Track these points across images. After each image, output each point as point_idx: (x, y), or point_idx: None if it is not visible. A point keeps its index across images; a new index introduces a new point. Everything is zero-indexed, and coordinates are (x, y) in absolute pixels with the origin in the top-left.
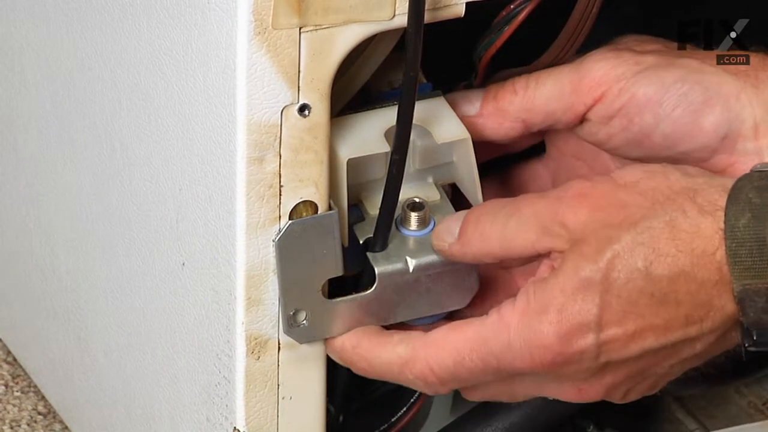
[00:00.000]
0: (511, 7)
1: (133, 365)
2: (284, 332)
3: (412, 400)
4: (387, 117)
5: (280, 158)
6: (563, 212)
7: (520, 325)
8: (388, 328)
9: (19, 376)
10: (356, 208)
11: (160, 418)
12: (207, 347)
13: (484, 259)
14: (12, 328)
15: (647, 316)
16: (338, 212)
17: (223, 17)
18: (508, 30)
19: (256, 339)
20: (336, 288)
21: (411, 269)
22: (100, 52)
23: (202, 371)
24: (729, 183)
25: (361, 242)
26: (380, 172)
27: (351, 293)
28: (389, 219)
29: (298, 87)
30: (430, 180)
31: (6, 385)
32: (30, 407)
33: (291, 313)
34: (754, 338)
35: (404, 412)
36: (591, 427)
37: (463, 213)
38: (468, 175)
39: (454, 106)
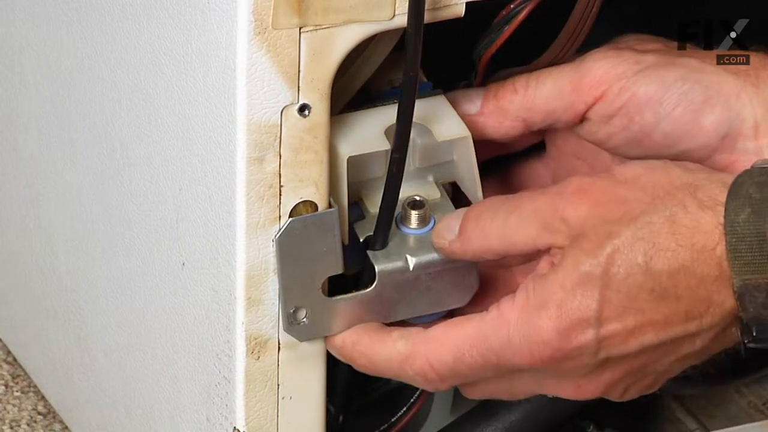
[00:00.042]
0: (511, 6)
1: (133, 365)
2: (284, 330)
3: (412, 400)
4: (387, 115)
5: (280, 158)
6: (563, 208)
7: (520, 320)
8: (388, 326)
9: (19, 376)
10: (356, 206)
11: (160, 418)
12: (207, 347)
13: (484, 255)
14: (12, 328)
15: (647, 311)
16: (338, 210)
17: (223, 17)
18: (508, 29)
19: (256, 339)
20: (336, 286)
21: (411, 267)
22: (100, 52)
23: (202, 371)
24: (729, 179)
25: (361, 240)
26: (380, 170)
27: (351, 291)
28: (389, 217)
29: (298, 87)
30: (431, 178)
31: (6, 385)
32: (30, 407)
33: (291, 310)
34: (754, 334)
35: (404, 411)
36: (591, 427)
37: (463, 210)
38: (468, 173)
39: (454, 104)
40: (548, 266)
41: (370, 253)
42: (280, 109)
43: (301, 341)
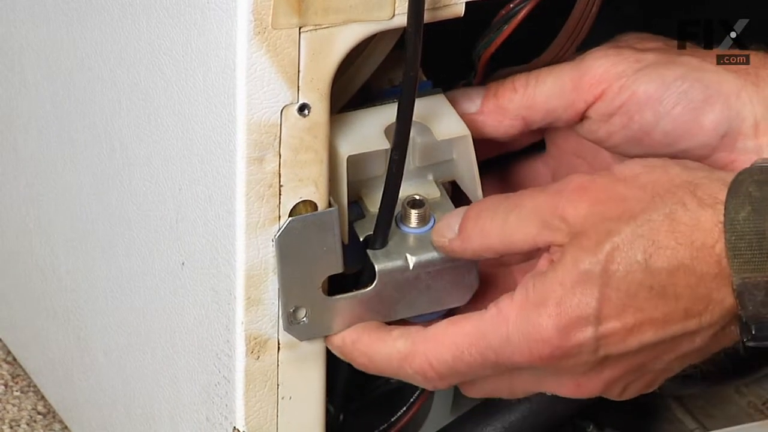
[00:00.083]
0: (511, 6)
1: (133, 365)
2: (284, 329)
3: (411, 400)
4: (387, 114)
5: (280, 158)
6: (563, 206)
7: (519, 318)
8: (388, 325)
9: (18, 375)
10: (356, 205)
11: (160, 418)
12: (207, 347)
13: (484, 254)
14: (12, 328)
15: (646, 309)
16: (338, 209)
17: (222, 17)
18: (508, 29)
19: (255, 339)
20: (336, 285)
21: (411, 266)
22: (100, 52)
23: (201, 371)
24: (729, 177)
25: (361, 239)
26: (380, 169)
27: (351, 291)
28: (389, 216)
29: (298, 87)
30: (430, 177)
31: (6, 385)
32: (29, 407)
33: (291, 310)
34: (753, 333)
35: (404, 411)
36: (591, 426)
37: (463, 209)
38: (468, 172)
39: (454, 103)
40: (548, 264)
41: (369, 252)
42: (280, 108)
43: (301, 341)
